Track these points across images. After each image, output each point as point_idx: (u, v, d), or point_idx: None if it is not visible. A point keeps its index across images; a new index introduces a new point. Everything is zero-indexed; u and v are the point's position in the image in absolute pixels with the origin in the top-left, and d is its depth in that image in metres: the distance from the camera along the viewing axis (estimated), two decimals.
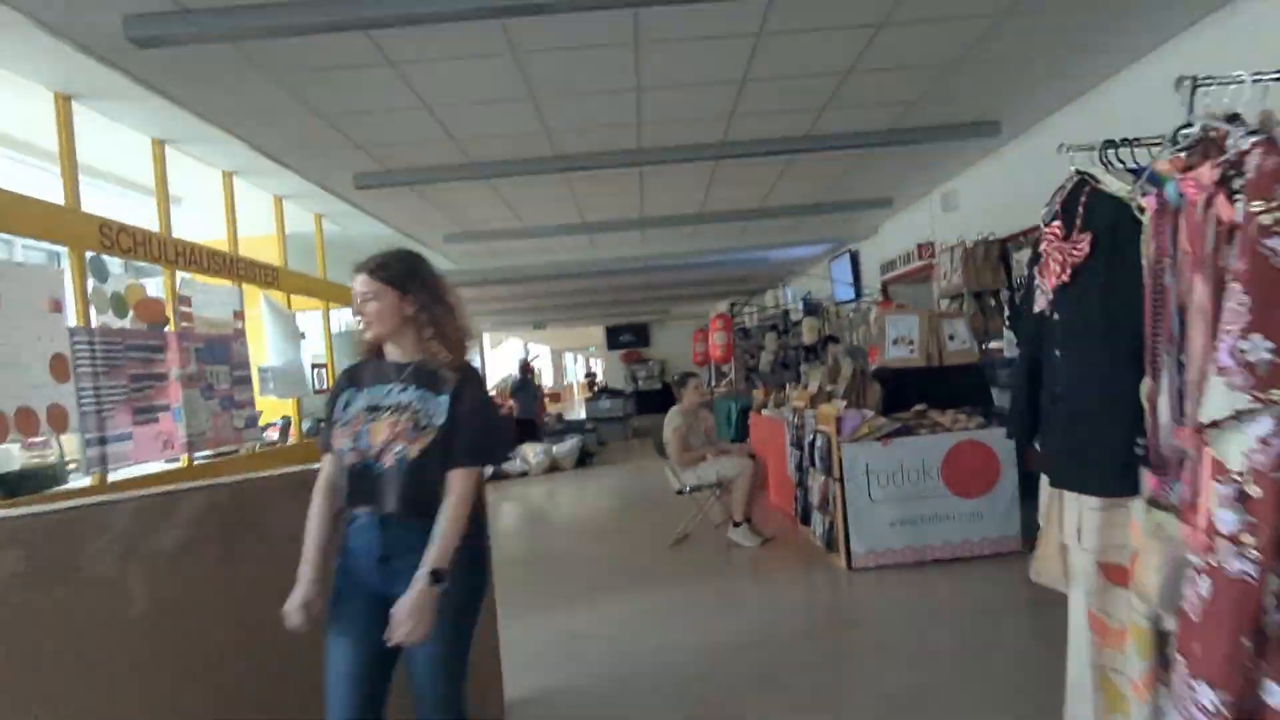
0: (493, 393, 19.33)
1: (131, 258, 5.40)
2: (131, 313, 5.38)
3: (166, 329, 5.70)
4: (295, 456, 7.46)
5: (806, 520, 5.23)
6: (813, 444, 4.83)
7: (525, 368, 13.61)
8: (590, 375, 45.68)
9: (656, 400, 22.27)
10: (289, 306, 7.62)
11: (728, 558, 5.16)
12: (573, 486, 9.11)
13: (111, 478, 5.07)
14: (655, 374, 23.98)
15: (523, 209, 7.76)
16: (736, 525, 5.34)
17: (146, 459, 5.36)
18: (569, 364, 47.68)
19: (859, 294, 11.40)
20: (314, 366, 8.23)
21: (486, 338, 26.71)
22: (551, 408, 23.35)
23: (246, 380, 6.66)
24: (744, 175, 7.04)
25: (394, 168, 5.92)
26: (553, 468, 10.41)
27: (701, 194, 7.65)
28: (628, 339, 24.55)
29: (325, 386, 8.38)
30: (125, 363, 5.18)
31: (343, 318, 12.13)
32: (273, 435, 7.59)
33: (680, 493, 5.51)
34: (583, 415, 16.43)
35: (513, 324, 22.92)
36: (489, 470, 9.89)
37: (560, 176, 6.51)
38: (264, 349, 7.22)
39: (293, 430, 7.54)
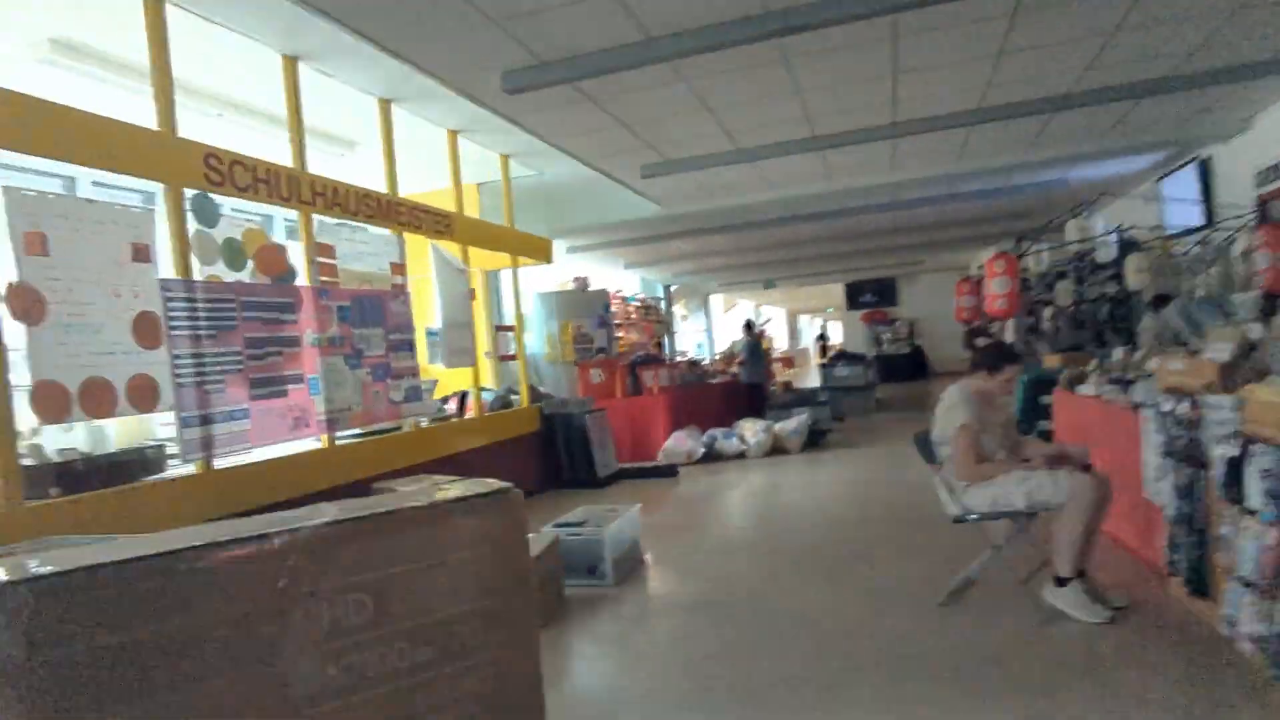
0: (716, 357, 17.89)
1: (250, 197, 4.51)
2: (251, 264, 4.53)
3: (300, 283, 4.83)
4: (470, 432, 6.48)
5: (1198, 589, 2.99)
6: (1237, 461, 2.60)
7: (752, 327, 11.87)
8: (823, 337, 42.87)
9: (905, 366, 19.42)
10: (466, 261, 6.61)
11: (1047, 642, 3.08)
12: (796, 478, 7.26)
13: (224, 463, 4.28)
14: (903, 335, 20.98)
15: (732, 120, 5.97)
16: (1060, 583, 3.22)
17: (271, 440, 4.50)
18: (803, 327, 45.12)
19: (1210, 220, 8.11)
20: (498, 329, 7.22)
21: (717, 300, 25.33)
22: (783, 374, 21.43)
23: (408, 345, 5.73)
24: (1060, 27, 4.62)
25: (548, 56, 4.44)
26: (775, 449, 8.66)
27: (985, 71, 5.30)
28: (870, 298, 21.75)
29: (511, 353, 7.37)
30: (240, 324, 4.32)
31: (538, 275, 11.28)
32: (451, 409, 6.66)
33: (960, 520, 3.50)
34: (815, 383, 14.36)
35: (740, 284, 21.24)
36: (700, 450, 8.35)
37: (775, 57, 4.64)
38: (432, 309, 6.30)
39: (471, 403, 6.56)
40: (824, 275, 20.11)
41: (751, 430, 8.75)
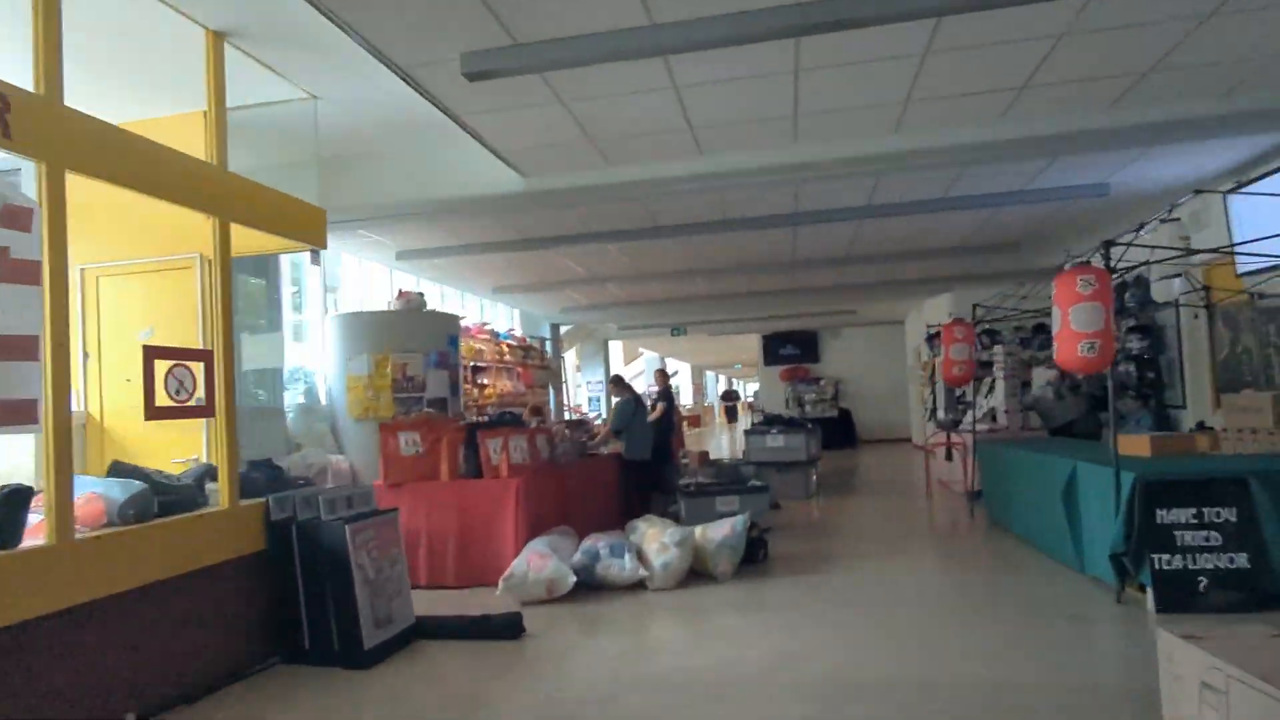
0: (600, 422, 14.52)
1: None
2: None
3: None
4: (27, 578, 2.76)
5: None
6: None
7: (623, 382, 8.59)
8: (730, 395, 39.65)
9: (834, 433, 16.48)
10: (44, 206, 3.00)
11: None
12: (749, 656, 3.86)
13: None
14: (828, 397, 18.25)
15: None
16: None
17: None
18: (709, 384, 42.60)
19: None
20: (148, 351, 3.60)
21: (615, 348, 22.09)
22: (690, 435, 18.22)
23: None
24: None
25: None
26: (695, 571, 5.33)
27: None
28: (790, 351, 19.05)
29: (197, 401, 3.76)
30: None
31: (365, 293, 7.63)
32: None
33: None
34: (726, 449, 11.18)
35: (644, 328, 17.99)
36: (569, 578, 4.92)
37: None
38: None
39: (84, 505, 2.88)
40: (740, 322, 17.25)
41: (656, 542, 5.36)
